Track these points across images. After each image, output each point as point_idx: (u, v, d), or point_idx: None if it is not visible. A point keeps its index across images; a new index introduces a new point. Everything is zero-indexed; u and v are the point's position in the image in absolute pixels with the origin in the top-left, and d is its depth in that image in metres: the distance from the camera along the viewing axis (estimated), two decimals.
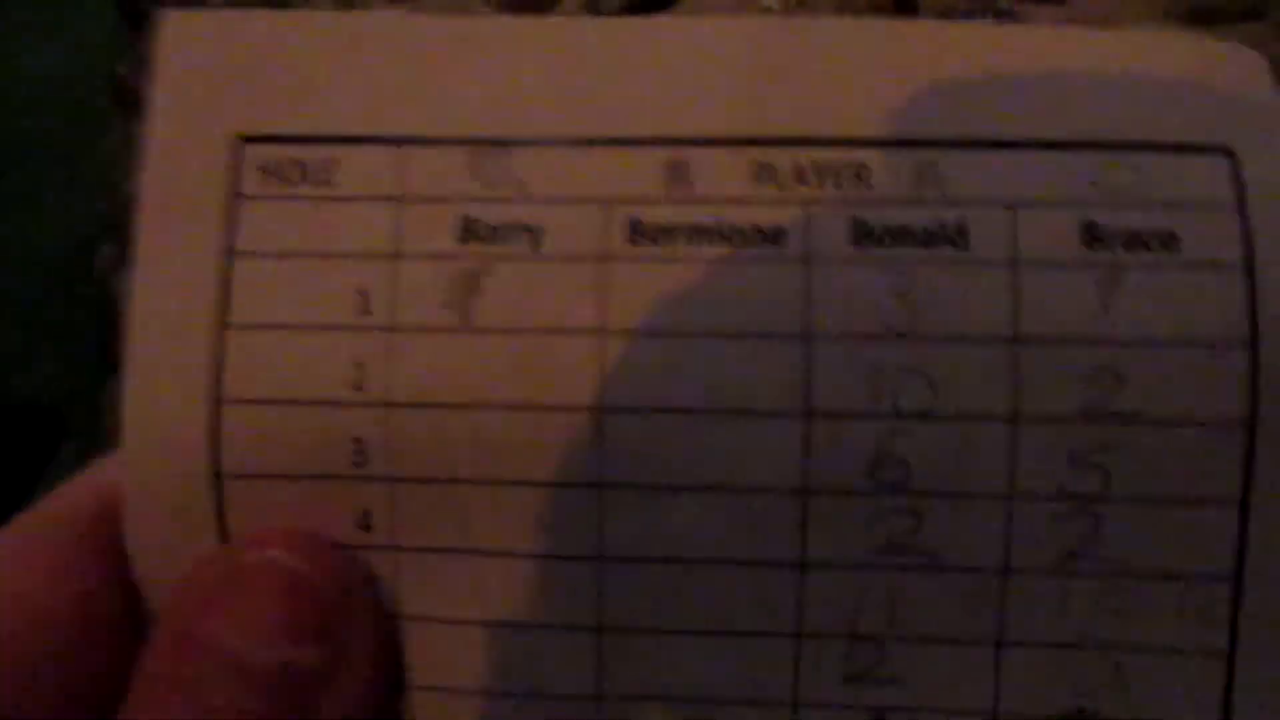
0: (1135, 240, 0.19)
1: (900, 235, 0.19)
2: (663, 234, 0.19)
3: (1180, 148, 0.19)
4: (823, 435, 0.19)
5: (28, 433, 0.50)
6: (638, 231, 0.19)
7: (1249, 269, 0.19)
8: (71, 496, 0.20)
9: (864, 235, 0.19)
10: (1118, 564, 0.19)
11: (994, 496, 0.19)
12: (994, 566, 0.19)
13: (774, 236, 0.19)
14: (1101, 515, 0.19)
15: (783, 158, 0.20)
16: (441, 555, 0.19)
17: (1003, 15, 0.42)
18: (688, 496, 0.19)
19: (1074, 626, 0.19)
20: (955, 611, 0.19)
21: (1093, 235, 0.19)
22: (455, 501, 0.19)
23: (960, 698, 0.19)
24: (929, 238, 0.19)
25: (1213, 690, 0.19)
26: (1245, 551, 0.19)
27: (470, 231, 0.19)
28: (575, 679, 0.20)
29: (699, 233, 0.19)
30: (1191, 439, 0.19)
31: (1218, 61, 0.20)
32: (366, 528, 0.19)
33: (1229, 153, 0.19)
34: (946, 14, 0.43)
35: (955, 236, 0.19)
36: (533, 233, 0.19)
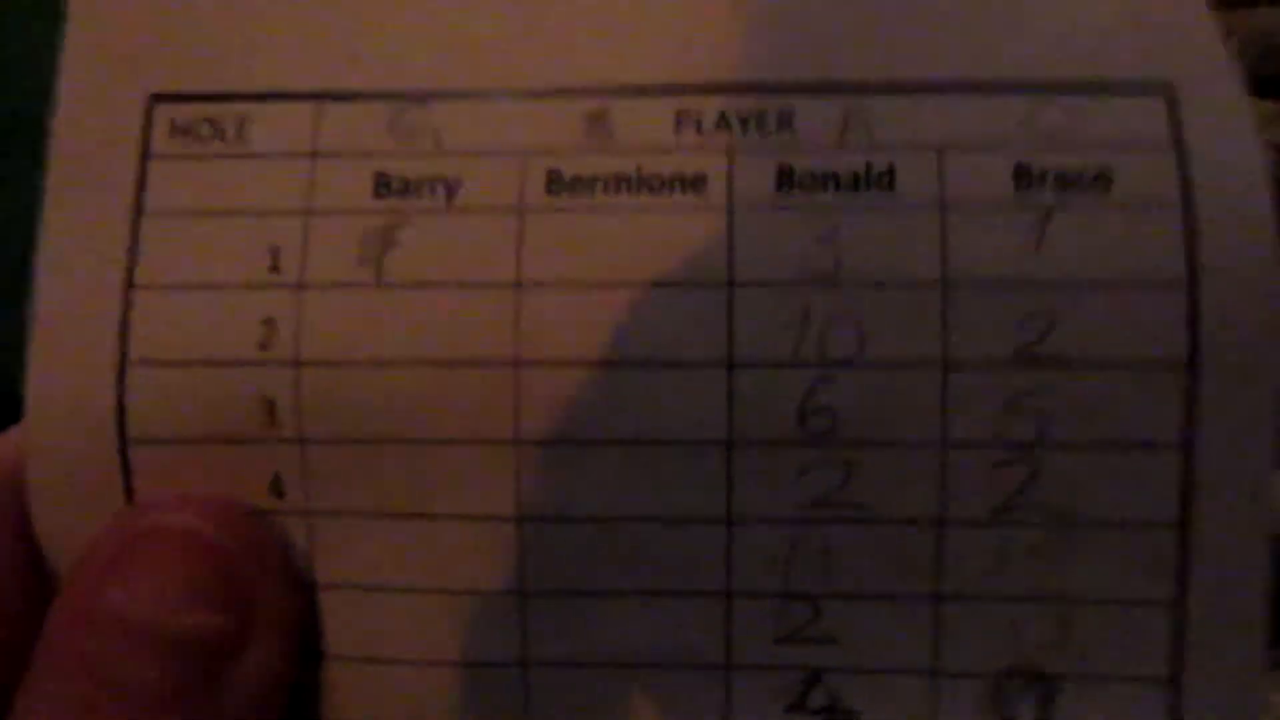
0: (1068, 181, 0.18)
1: (826, 181, 0.18)
2: (581, 185, 0.19)
3: (1115, 86, 0.18)
4: (748, 385, 0.18)
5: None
6: (556, 183, 0.19)
7: (1187, 208, 0.18)
8: None
9: (788, 181, 0.18)
10: (1058, 513, 0.18)
11: (927, 446, 0.18)
12: (929, 518, 0.18)
13: (695, 184, 0.18)
14: (1039, 462, 0.18)
15: (706, 105, 0.19)
16: (357, 519, 0.19)
17: None
18: (610, 451, 0.18)
19: (1015, 579, 0.18)
20: (891, 566, 0.18)
21: (1024, 177, 0.18)
22: (369, 463, 0.19)
23: (898, 655, 0.19)
24: (856, 182, 0.18)
25: (1161, 642, 0.18)
26: (1191, 496, 0.18)
27: (385, 186, 0.19)
28: (499, 645, 0.19)
29: (619, 182, 0.19)
30: (1130, 382, 0.18)
31: None
32: (279, 493, 0.19)
33: (1167, 89, 0.18)
34: None
35: (882, 181, 0.18)
36: (449, 186, 0.19)
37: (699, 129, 0.19)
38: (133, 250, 0.19)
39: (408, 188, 0.19)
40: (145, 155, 0.19)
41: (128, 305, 0.19)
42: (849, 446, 0.18)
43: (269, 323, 0.18)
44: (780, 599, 0.19)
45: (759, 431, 0.18)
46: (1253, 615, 0.18)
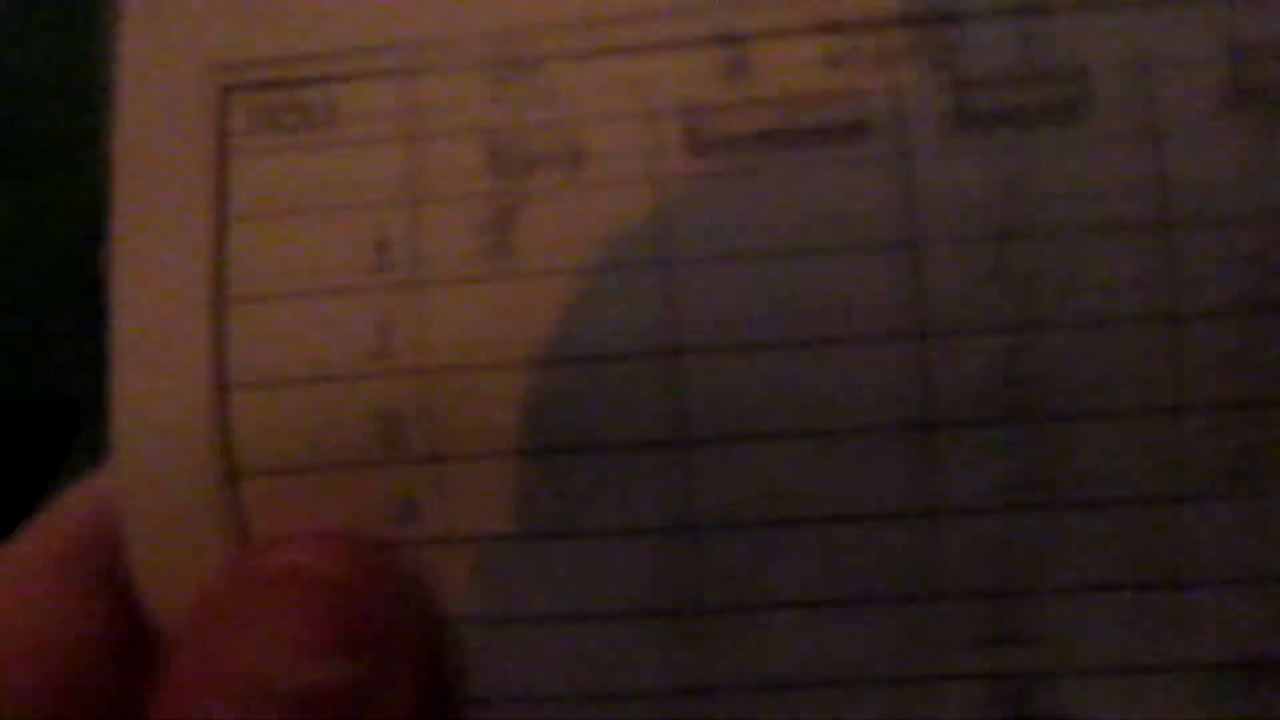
0: None
1: (1008, 116, 0.16)
2: (725, 143, 0.16)
3: None
4: (939, 357, 0.16)
5: (45, 425, 0.48)
6: (696, 142, 0.16)
7: None
8: (65, 514, 0.17)
9: (965, 119, 0.16)
10: None
11: (1154, 411, 0.15)
12: (1160, 494, 0.16)
13: (856, 131, 0.16)
14: (1276, 419, 0.15)
15: (861, 40, 0.16)
16: (501, 542, 0.16)
17: None
18: (789, 444, 0.16)
19: (1264, 556, 0.16)
20: (1118, 553, 0.16)
21: (1240, 91, 0.15)
22: (511, 476, 0.16)
23: (1132, 652, 0.16)
24: (1045, 113, 0.16)
25: None
26: None
27: (500, 162, 0.16)
28: (667, 671, 0.16)
29: (767, 137, 0.16)
30: None
31: None
32: (411, 517, 0.16)
33: None
34: None
35: (1076, 109, 0.16)
36: (574, 156, 0.16)
37: (857, 66, 0.16)
38: (221, 259, 0.17)
39: (528, 162, 0.16)
40: (224, 149, 0.17)
41: (221, 321, 0.16)
42: (1061, 419, 0.16)
43: (383, 327, 0.16)
44: (991, 598, 0.16)
45: (955, 410, 0.16)
46: None
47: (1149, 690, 0.16)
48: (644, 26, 0.17)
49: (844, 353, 0.16)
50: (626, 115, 0.16)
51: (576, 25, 0.17)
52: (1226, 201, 0.15)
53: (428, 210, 0.16)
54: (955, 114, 0.16)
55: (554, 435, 0.16)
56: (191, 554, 0.16)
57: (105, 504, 0.17)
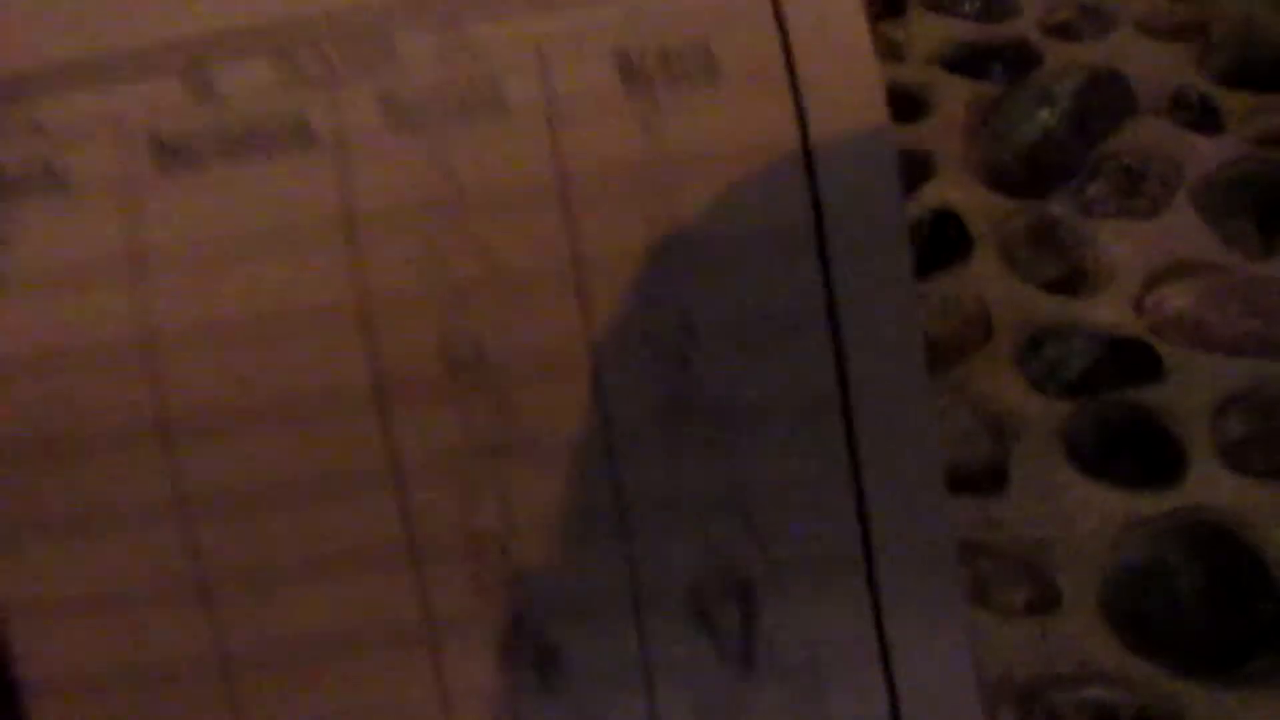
0: (670, 61, 0.17)
1: (433, 105, 0.17)
2: (187, 149, 0.18)
3: None
4: (384, 326, 0.17)
5: None
6: (163, 150, 0.18)
7: (792, 81, 0.17)
8: None
9: (395, 111, 0.18)
10: (720, 404, 0.17)
11: (575, 354, 0.17)
12: (596, 442, 0.17)
13: (302, 131, 0.17)
14: (690, 357, 0.17)
15: (302, 40, 0.18)
16: (21, 538, 0.17)
17: None
18: (258, 422, 0.17)
19: (692, 481, 0.17)
20: (568, 489, 0.17)
21: (628, 67, 0.17)
22: (19, 476, 0.17)
23: (592, 582, 0.18)
24: (463, 102, 0.17)
25: (846, 517, 0.17)
26: (846, 370, 0.17)
27: None
28: (192, 647, 0.18)
29: (227, 152, 0.18)
30: (763, 262, 0.17)
31: None
32: None
33: None
34: None
35: (490, 96, 0.18)
36: (55, 174, 0.18)
37: (298, 69, 0.18)
38: None
39: (15, 185, 0.18)
40: None
41: None
42: (499, 375, 0.17)
43: None
44: (467, 547, 0.17)
45: (406, 372, 0.17)
46: (931, 477, 0.17)
47: (613, 616, 0.18)
48: (113, 38, 0.18)
49: (299, 331, 0.17)
50: (99, 128, 0.18)
51: (52, 45, 0.18)
52: (622, 165, 0.17)
53: None
54: (386, 105, 0.17)
55: (55, 433, 0.17)
56: None
57: None
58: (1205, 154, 0.44)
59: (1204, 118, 0.45)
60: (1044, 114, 0.44)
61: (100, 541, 0.17)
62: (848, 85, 0.17)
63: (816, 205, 0.17)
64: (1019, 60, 0.44)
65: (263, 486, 0.17)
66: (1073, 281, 0.41)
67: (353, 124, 0.18)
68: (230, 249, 0.17)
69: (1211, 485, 0.37)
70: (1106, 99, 0.45)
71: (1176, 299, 0.41)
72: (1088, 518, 0.35)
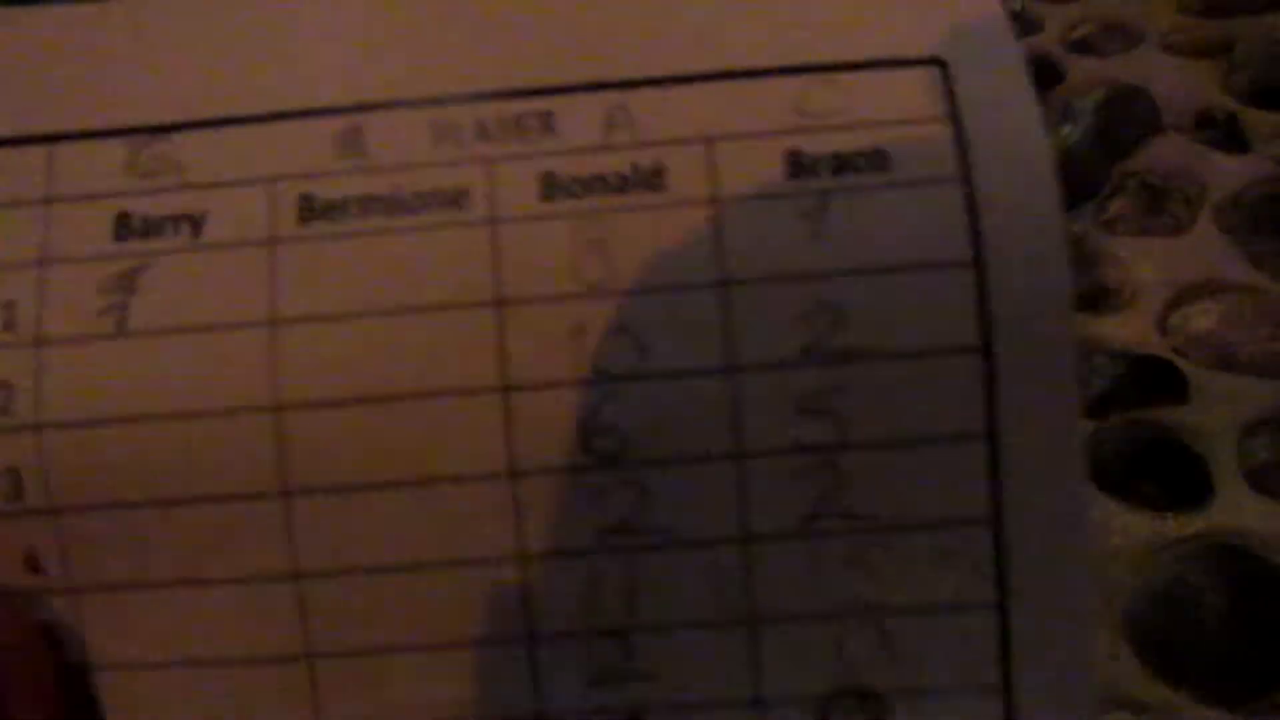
0: (844, 164, 0.16)
1: (592, 184, 0.17)
2: (336, 209, 0.17)
3: (886, 63, 0.17)
4: (525, 410, 0.16)
5: None
6: (309, 208, 0.17)
7: (968, 183, 0.16)
8: None
9: (553, 188, 0.17)
10: (867, 518, 0.16)
11: (721, 458, 0.16)
12: (734, 536, 0.16)
13: (456, 199, 0.17)
14: (841, 466, 0.16)
15: (463, 114, 0.17)
16: (125, 591, 0.17)
17: None
18: (382, 494, 0.16)
19: (831, 593, 0.17)
20: (701, 591, 0.17)
21: (798, 164, 0.16)
22: (129, 530, 0.17)
23: (719, 686, 0.17)
24: (624, 184, 0.17)
25: (989, 646, 0.17)
26: (1001, 489, 0.16)
27: (125, 228, 0.17)
28: (291, 715, 0.17)
29: (375, 203, 0.17)
30: (924, 372, 0.16)
31: None
32: (35, 569, 0.17)
33: (939, 64, 0.17)
34: None
35: (651, 179, 0.17)
36: (194, 222, 0.17)
37: (458, 140, 0.17)
38: None
39: (150, 227, 0.17)
40: None
41: None
42: (641, 466, 0.16)
43: (6, 386, 0.17)
44: (587, 638, 0.17)
45: (542, 459, 0.16)
46: (1081, 609, 0.17)
47: None
48: (262, 101, 0.18)
49: (437, 406, 0.16)
50: (244, 183, 0.17)
51: (203, 101, 0.18)
52: (782, 261, 0.16)
53: (53, 273, 0.17)
54: (545, 182, 0.17)
55: (166, 489, 0.17)
56: None
57: None
58: (1230, 173, 0.44)
59: (1229, 136, 0.44)
60: (1066, 130, 0.44)
61: (207, 601, 0.17)
62: (1025, 199, 0.16)
63: (986, 321, 0.16)
64: (1041, 76, 0.44)
65: (381, 561, 0.17)
66: (1095, 299, 0.40)
67: (508, 196, 0.17)
68: (370, 311, 0.17)
69: (1237, 508, 0.36)
70: (1130, 115, 0.45)
71: (1201, 318, 0.41)
72: (1110, 539, 0.34)
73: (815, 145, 0.17)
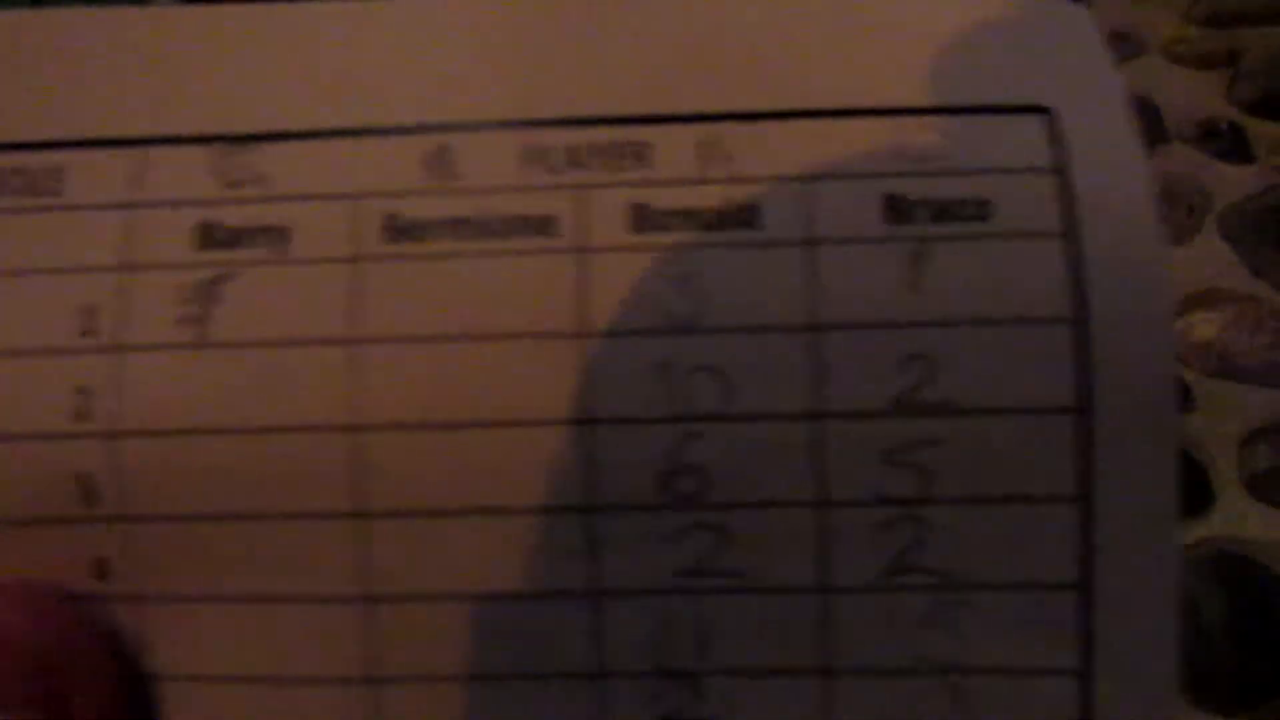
0: (944, 211, 0.16)
1: (685, 218, 0.16)
2: (422, 229, 0.16)
3: (990, 109, 0.16)
4: (607, 445, 0.16)
5: None
6: (395, 228, 0.16)
7: (1073, 237, 0.16)
8: None
9: (644, 220, 0.16)
10: (948, 575, 0.16)
11: (804, 505, 0.16)
12: (811, 585, 0.16)
13: (544, 226, 0.16)
14: (925, 520, 0.16)
15: (554, 139, 0.17)
16: (192, 604, 0.16)
17: None
18: (460, 521, 0.16)
19: (906, 649, 0.16)
20: (773, 638, 0.16)
21: (897, 208, 0.16)
22: (200, 542, 0.16)
23: None
24: (717, 220, 0.16)
25: (1068, 714, 0.16)
26: (1091, 554, 0.16)
27: (210, 237, 0.16)
28: None
29: (461, 225, 0.16)
30: (1018, 430, 0.16)
31: (1033, 15, 0.17)
32: (102, 576, 0.16)
33: (1045, 111, 0.16)
34: None
35: (746, 217, 0.16)
36: (279, 234, 0.16)
37: (548, 165, 0.17)
38: None
39: (235, 238, 0.17)
40: None
41: None
42: (720, 509, 0.16)
43: (84, 391, 0.16)
44: (656, 678, 0.16)
45: (621, 495, 0.16)
46: (1164, 683, 0.16)
47: None
48: (352, 116, 0.17)
49: (518, 436, 0.16)
50: (330, 198, 0.17)
51: (291, 113, 0.17)
52: (877, 308, 0.16)
53: (136, 280, 0.16)
54: (636, 213, 0.16)
55: (238, 503, 0.16)
56: None
57: None
58: (1234, 183, 0.44)
59: (1233, 147, 0.44)
60: None
61: (274, 619, 0.16)
62: (1131, 257, 0.16)
63: (1085, 381, 0.16)
64: None
65: (452, 588, 0.16)
66: None
67: (598, 225, 0.16)
68: (451, 335, 0.16)
69: (1238, 517, 0.36)
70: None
71: (1203, 327, 0.41)
72: None
73: (915, 190, 0.16)
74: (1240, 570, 0.36)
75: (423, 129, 0.17)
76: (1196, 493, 0.37)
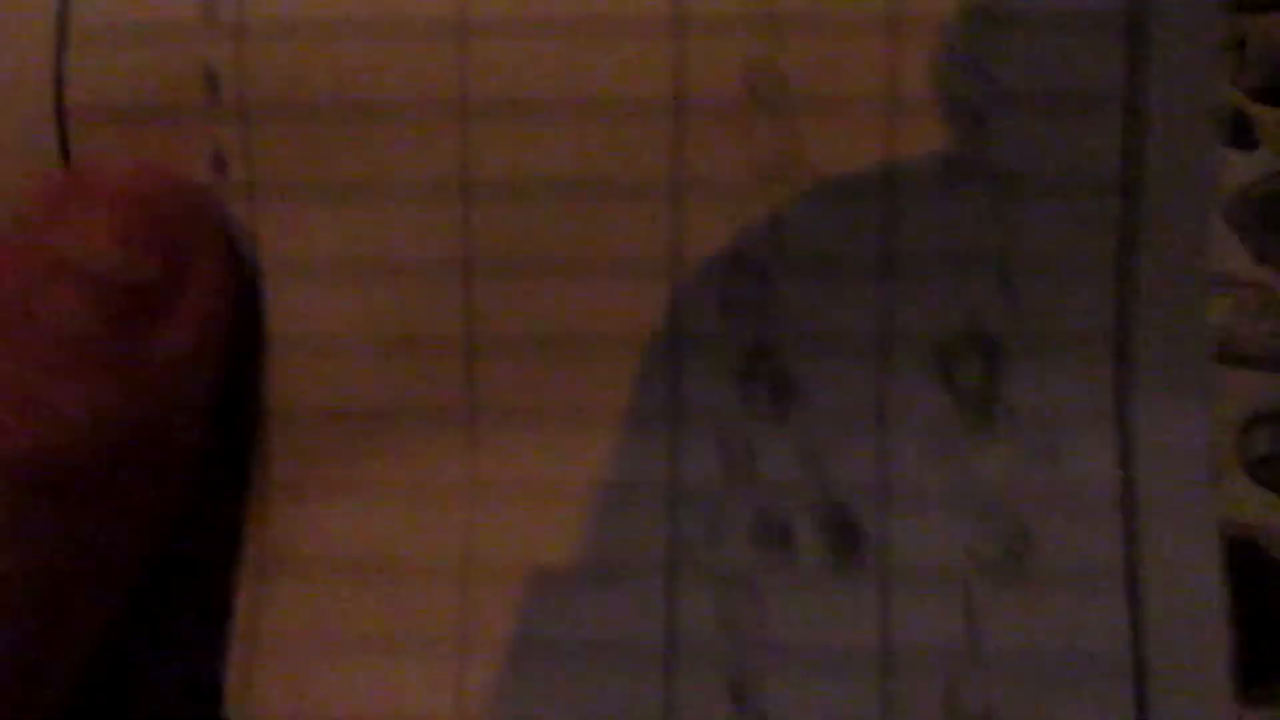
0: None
1: None
2: None
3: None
4: (694, 39, 0.16)
5: None
6: None
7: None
8: None
9: None
10: (1004, 173, 0.16)
11: (872, 102, 0.16)
12: (877, 181, 0.16)
13: None
14: (984, 119, 0.16)
15: None
16: (302, 198, 0.17)
17: None
18: (559, 115, 0.16)
19: (962, 243, 0.16)
20: (841, 231, 0.16)
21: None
22: (316, 138, 0.17)
23: (843, 320, 0.17)
24: None
25: (1106, 293, 0.16)
26: (1139, 154, 0.16)
27: None
28: (443, 327, 0.17)
29: None
30: (1074, 39, 0.16)
31: None
32: (220, 169, 0.17)
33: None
34: None
35: None
36: None
37: None
38: None
39: None
40: None
41: None
42: (795, 109, 0.16)
43: None
44: (728, 263, 0.17)
45: (707, 92, 0.16)
46: (1198, 279, 0.16)
47: (858, 359, 0.17)
48: None
49: (615, 37, 0.16)
50: None
51: None
52: None
53: None
54: None
55: (356, 94, 0.16)
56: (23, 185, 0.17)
57: None
58: (1238, 169, 0.43)
59: (1237, 132, 0.44)
60: None
61: (380, 209, 0.17)
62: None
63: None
64: None
65: (544, 179, 0.17)
66: None
67: None
68: None
69: (1238, 501, 0.36)
70: None
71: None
72: None
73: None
74: (1239, 555, 0.35)
75: None
76: None
